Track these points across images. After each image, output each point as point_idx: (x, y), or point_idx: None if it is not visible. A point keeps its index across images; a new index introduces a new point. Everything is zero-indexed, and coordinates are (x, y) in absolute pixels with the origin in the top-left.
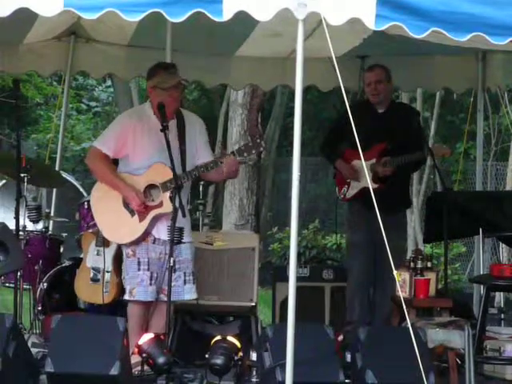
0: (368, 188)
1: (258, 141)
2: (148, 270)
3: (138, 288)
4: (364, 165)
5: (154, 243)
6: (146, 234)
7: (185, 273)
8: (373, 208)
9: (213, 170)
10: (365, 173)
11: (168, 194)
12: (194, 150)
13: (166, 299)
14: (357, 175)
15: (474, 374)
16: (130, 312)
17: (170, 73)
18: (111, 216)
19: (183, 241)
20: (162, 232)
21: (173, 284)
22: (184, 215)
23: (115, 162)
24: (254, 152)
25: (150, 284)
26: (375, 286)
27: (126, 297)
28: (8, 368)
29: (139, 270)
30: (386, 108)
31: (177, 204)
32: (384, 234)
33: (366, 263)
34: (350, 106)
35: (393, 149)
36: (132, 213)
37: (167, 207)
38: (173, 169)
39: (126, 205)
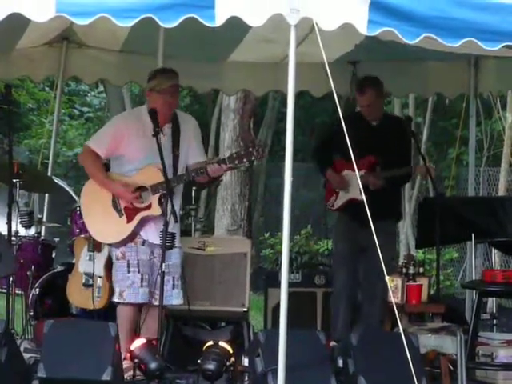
0: (355, 199)
1: (251, 150)
2: (138, 272)
3: (129, 290)
4: (358, 176)
5: (143, 245)
6: (134, 234)
7: (173, 277)
8: (358, 219)
9: (202, 175)
10: (358, 183)
11: (157, 196)
12: (187, 152)
13: (156, 303)
14: (346, 185)
15: (466, 379)
16: (120, 314)
17: (167, 77)
18: (99, 215)
19: (175, 246)
20: (150, 234)
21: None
22: (176, 220)
23: (106, 167)
24: (245, 160)
25: (141, 286)
26: (362, 296)
27: (116, 299)
28: (0, 373)
29: (129, 272)
30: (380, 121)
31: (169, 209)
32: (376, 242)
33: (350, 274)
34: (344, 116)
35: (383, 162)
36: (120, 213)
37: (155, 210)
38: (164, 174)
39: (115, 205)
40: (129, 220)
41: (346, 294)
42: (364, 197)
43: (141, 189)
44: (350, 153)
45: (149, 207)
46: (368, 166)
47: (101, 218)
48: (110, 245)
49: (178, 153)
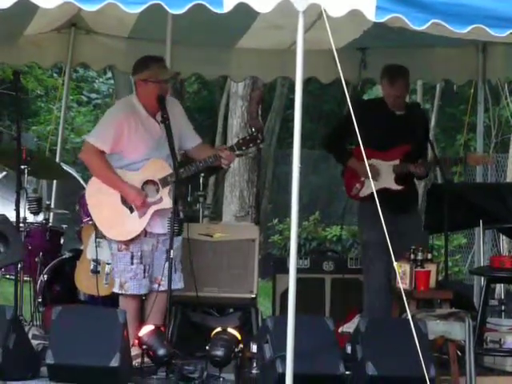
0: (387, 188)
1: (256, 134)
2: (141, 263)
3: (132, 282)
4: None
5: (145, 236)
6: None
7: (175, 262)
8: (390, 207)
9: (214, 163)
10: (391, 172)
11: (167, 189)
12: (180, 137)
13: (161, 289)
14: (375, 174)
15: (475, 365)
16: (123, 306)
17: (163, 66)
18: (109, 213)
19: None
20: (153, 225)
21: (166, 273)
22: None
23: None
24: (251, 145)
25: (144, 277)
26: None
27: (116, 290)
28: (8, 360)
29: (132, 263)
30: (403, 110)
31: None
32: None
33: (386, 263)
34: (361, 103)
35: (414, 151)
36: (131, 209)
37: (167, 203)
38: (174, 160)
39: (124, 201)
40: (141, 215)
41: (384, 282)
42: (394, 188)
43: (149, 183)
44: (374, 142)
45: (160, 200)
46: (403, 156)
47: (112, 217)
48: None
49: (173, 139)
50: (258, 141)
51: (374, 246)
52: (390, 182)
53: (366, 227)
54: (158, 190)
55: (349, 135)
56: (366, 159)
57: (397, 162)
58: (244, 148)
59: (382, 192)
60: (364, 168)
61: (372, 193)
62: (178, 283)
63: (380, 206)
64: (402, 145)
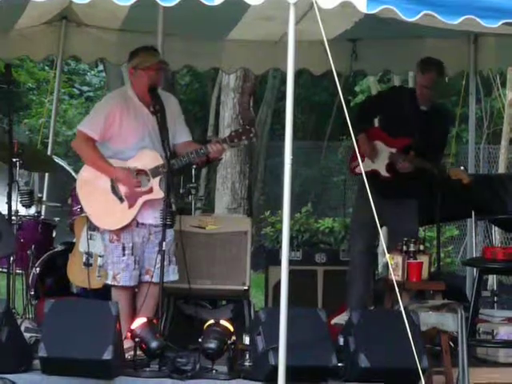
0: (377, 171)
1: (248, 127)
2: (132, 254)
3: (124, 273)
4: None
5: (137, 227)
6: (134, 220)
7: (169, 255)
8: (383, 194)
9: (203, 156)
10: (385, 158)
11: (158, 179)
12: (173, 131)
13: (152, 280)
14: (374, 155)
15: (467, 356)
16: (116, 298)
17: (151, 53)
18: (99, 202)
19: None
20: (145, 217)
21: (159, 266)
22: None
23: None
24: (243, 138)
25: (135, 268)
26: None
27: (109, 281)
28: (1, 353)
29: (124, 255)
30: (429, 107)
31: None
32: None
33: (369, 243)
34: (397, 88)
35: (417, 149)
36: (121, 199)
37: (157, 193)
38: (165, 151)
39: (115, 191)
40: (130, 205)
41: (362, 265)
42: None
43: (140, 173)
44: (391, 127)
45: (150, 191)
46: (400, 147)
47: (102, 206)
48: None
49: (166, 130)
50: (251, 134)
51: (356, 224)
52: (381, 166)
53: (356, 206)
54: (148, 180)
55: (375, 113)
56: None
57: (394, 150)
58: (236, 141)
59: (372, 174)
60: (367, 146)
61: (367, 172)
62: (172, 275)
63: (373, 191)
64: (405, 136)
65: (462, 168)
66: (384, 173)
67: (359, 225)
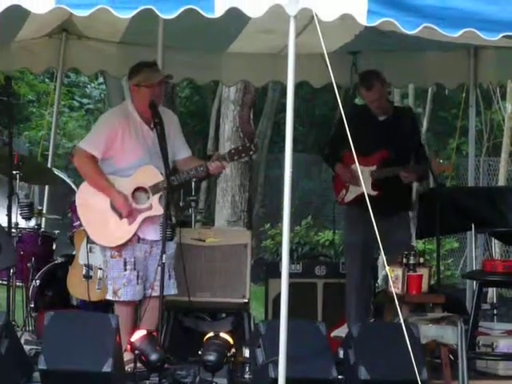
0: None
1: (248, 145)
2: (135, 269)
3: (126, 288)
4: (359, 170)
5: (138, 242)
6: (136, 235)
7: (169, 268)
8: (374, 213)
9: (202, 173)
10: (368, 178)
11: (158, 196)
12: (173, 147)
13: (154, 294)
14: (356, 180)
15: (467, 369)
16: (118, 312)
17: (154, 70)
18: (99, 218)
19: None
20: (146, 232)
21: (159, 278)
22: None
23: None
24: (243, 155)
25: (138, 283)
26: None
27: (110, 297)
28: (1, 365)
29: (125, 270)
30: (389, 114)
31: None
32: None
33: (364, 265)
34: (350, 111)
35: (395, 157)
36: (120, 216)
37: (156, 210)
38: (166, 167)
39: (114, 207)
40: (130, 222)
41: (358, 286)
42: (366, 193)
43: (140, 189)
44: (359, 147)
45: (150, 208)
46: (379, 161)
47: (102, 224)
48: None
49: (166, 146)
50: (251, 152)
51: (351, 248)
52: (367, 187)
53: (346, 231)
54: (148, 197)
55: (342, 141)
56: (357, 164)
57: (374, 167)
58: (236, 158)
59: (362, 197)
60: (346, 174)
61: (355, 198)
62: (172, 289)
63: (360, 211)
64: (379, 150)
65: (440, 160)
66: (371, 192)
67: (350, 247)
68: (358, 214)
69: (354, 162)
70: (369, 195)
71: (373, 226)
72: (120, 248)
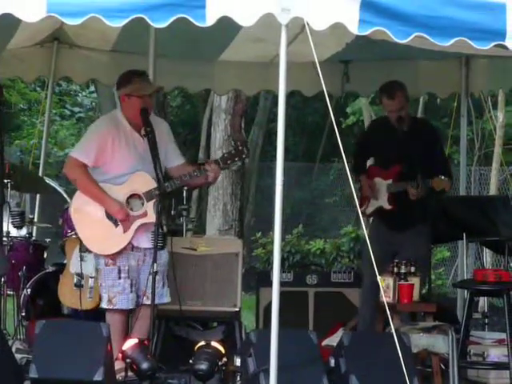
0: (382, 207)
1: (241, 148)
2: (128, 277)
3: (120, 296)
4: (378, 183)
5: (132, 250)
6: (129, 244)
7: (162, 276)
8: (388, 225)
9: (196, 178)
10: (384, 192)
11: (152, 202)
12: (165, 155)
13: (148, 302)
14: (375, 193)
15: (458, 378)
16: (110, 321)
17: (146, 80)
18: (94, 227)
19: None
20: (140, 240)
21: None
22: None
23: None
24: (237, 159)
25: (131, 291)
26: None
27: (104, 305)
28: None
29: (120, 278)
30: (408, 128)
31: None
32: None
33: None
34: (373, 122)
35: (409, 171)
36: (116, 223)
37: (152, 216)
38: (157, 174)
39: (109, 215)
40: (125, 230)
41: (372, 297)
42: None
43: (134, 196)
44: (380, 160)
45: (145, 214)
46: (395, 175)
47: (97, 231)
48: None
49: (157, 153)
50: (244, 155)
51: (366, 260)
52: (384, 201)
53: (368, 240)
54: (142, 204)
55: (367, 153)
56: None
57: (390, 181)
58: (229, 162)
59: (379, 211)
60: (366, 186)
61: (375, 210)
62: (165, 297)
63: (378, 224)
64: (396, 164)
65: (442, 177)
66: (387, 206)
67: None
68: (377, 227)
69: (375, 176)
70: (385, 209)
71: (389, 238)
72: (114, 256)
